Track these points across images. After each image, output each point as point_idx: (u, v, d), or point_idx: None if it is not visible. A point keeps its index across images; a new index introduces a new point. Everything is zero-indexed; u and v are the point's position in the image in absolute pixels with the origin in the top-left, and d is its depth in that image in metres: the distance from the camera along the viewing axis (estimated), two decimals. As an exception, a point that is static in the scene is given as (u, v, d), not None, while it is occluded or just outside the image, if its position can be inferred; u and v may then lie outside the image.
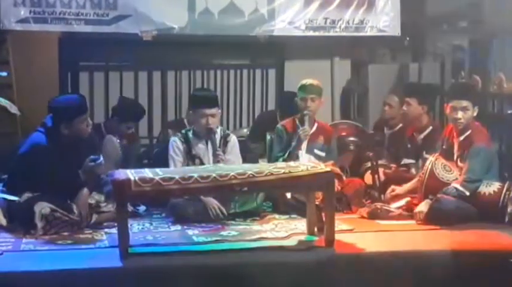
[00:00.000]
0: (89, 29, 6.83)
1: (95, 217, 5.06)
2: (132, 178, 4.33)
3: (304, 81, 5.95)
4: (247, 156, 6.07)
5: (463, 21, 7.87)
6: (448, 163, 5.39)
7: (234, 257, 4.38)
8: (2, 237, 4.75)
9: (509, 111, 6.76)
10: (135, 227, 5.08)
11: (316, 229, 4.83)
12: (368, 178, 5.97)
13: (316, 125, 5.99)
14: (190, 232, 5.00)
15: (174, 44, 7.30)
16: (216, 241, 4.72)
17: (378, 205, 5.49)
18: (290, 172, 4.55)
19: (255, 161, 5.87)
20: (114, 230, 4.63)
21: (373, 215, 5.38)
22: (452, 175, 5.31)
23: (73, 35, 7.00)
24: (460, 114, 5.30)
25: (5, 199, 5.00)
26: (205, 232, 4.97)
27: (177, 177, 4.39)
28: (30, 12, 6.63)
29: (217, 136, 5.61)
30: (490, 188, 5.22)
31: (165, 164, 5.49)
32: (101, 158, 5.03)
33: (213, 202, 5.29)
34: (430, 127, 6.04)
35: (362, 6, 7.39)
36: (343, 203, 5.62)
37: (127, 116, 6.33)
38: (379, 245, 4.65)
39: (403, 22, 7.51)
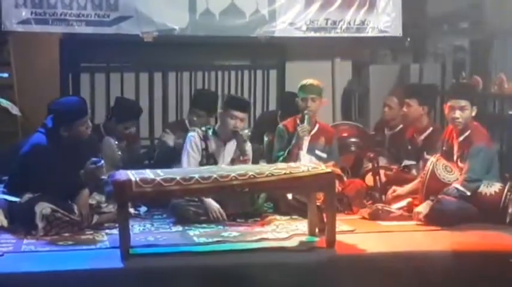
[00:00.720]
0: (90, 30, 6.83)
1: (95, 218, 5.06)
2: (133, 179, 4.34)
3: (304, 82, 5.95)
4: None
5: (464, 22, 7.87)
6: (449, 164, 5.39)
7: (235, 258, 4.38)
8: (3, 238, 4.75)
9: (510, 112, 6.74)
10: (136, 228, 5.08)
11: (317, 230, 4.83)
12: (369, 178, 5.98)
13: (317, 125, 5.99)
14: (191, 232, 5.00)
15: (175, 45, 7.31)
16: (217, 242, 4.72)
17: (379, 205, 5.49)
18: (291, 173, 4.55)
19: (256, 162, 5.87)
20: (115, 231, 4.63)
21: (374, 216, 5.39)
22: (453, 176, 5.31)
23: (74, 36, 7.00)
24: (458, 113, 5.32)
25: (5, 199, 5.01)
26: (206, 233, 4.97)
27: (178, 178, 4.39)
28: (31, 13, 6.63)
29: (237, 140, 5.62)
30: (491, 188, 5.23)
31: (166, 165, 5.49)
32: (102, 161, 5.04)
33: (213, 205, 5.29)
34: (431, 128, 6.04)
35: (363, 7, 7.38)
36: (344, 204, 5.62)
37: (123, 116, 6.31)
38: (380, 246, 4.65)
39: (404, 23, 7.51)
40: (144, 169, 4.79)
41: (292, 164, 5.07)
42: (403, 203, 5.49)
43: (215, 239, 4.77)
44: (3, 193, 5.10)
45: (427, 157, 5.62)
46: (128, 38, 6.95)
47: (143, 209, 5.58)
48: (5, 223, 4.96)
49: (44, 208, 4.80)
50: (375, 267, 4.37)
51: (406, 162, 6.07)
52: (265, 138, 6.22)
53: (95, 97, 7.43)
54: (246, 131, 7.35)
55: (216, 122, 6.02)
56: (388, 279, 4.30)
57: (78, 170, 5.01)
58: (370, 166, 5.98)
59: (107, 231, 4.94)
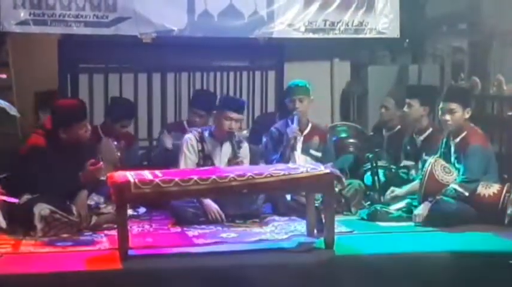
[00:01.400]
0: (88, 31, 6.82)
1: (94, 219, 5.06)
2: (131, 180, 4.34)
3: (290, 83, 6.01)
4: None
5: (463, 23, 7.87)
6: (447, 165, 5.39)
7: (233, 259, 4.38)
8: (2, 239, 4.75)
9: (508, 113, 6.75)
10: (134, 229, 5.08)
11: (315, 231, 4.83)
12: (368, 179, 5.98)
13: (310, 125, 6.01)
14: (190, 233, 5.00)
15: (174, 46, 7.30)
16: (216, 243, 4.72)
17: (378, 206, 5.49)
18: (290, 174, 4.55)
19: (255, 163, 5.87)
20: (114, 232, 4.63)
21: (373, 217, 5.39)
22: (452, 177, 5.32)
23: (72, 37, 6.99)
24: (447, 116, 5.37)
25: (4, 201, 5.01)
26: (205, 234, 4.97)
27: (176, 179, 4.39)
28: (29, 14, 6.63)
29: (233, 141, 5.62)
30: (489, 189, 5.23)
31: (165, 166, 5.49)
32: (101, 162, 5.04)
33: (212, 207, 5.29)
34: (430, 129, 6.04)
35: (361, 8, 7.39)
36: (342, 204, 5.63)
37: (117, 115, 6.33)
38: (378, 247, 4.65)
39: (403, 24, 7.51)
40: (143, 170, 4.79)
41: (291, 165, 5.08)
42: (402, 204, 5.49)
43: (214, 240, 4.77)
44: (2, 193, 5.10)
45: (426, 157, 5.62)
46: (126, 39, 6.95)
47: (142, 210, 5.58)
48: (3, 224, 4.95)
49: (42, 209, 4.80)
50: (374, 268, 4.37)
51: (405, 162, 6.08)
52: (264, 139, 6.22)
53: (94, 98, 7.42)
54: (245, 131, 7.39)
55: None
56: (387, 280, 4.30)
57: (77, 172, 5.01)
58: (368, 166, 5.99)
59: (106, 232, 4.94)
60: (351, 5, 7.36)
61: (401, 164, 6.08)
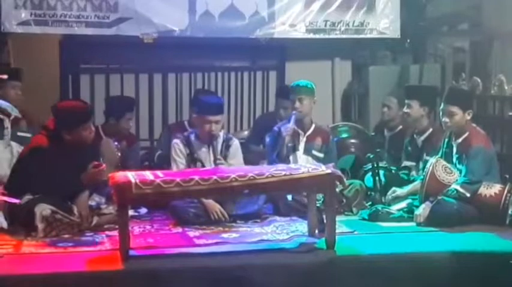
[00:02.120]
0: (89, 31, 6.82)
1: (95, 219, 5.06)
2: (132, 181, 4.34)
3: (292, 83, 6.00)
4: (248, 158, 6.06)
5: (464, 23, 7.87)
6: (448, 165, 5.39)
7: (235, 260, 4.38)
8: (3, 239, 4.75)
9: (510, 113, 6.74)
10: (136, 229, 5.08)
11: (317, 231, 4.83)
12: (369, 179, 5.98)
13: (313, 126, 6.01)
14: (191, 234, 5.00)
15: (175, 46, 7.30)
16: (217, 243, 4.72)
17: (379, 206, 5.49)
18: (291, 174, 4.55)
19: (256, 163, 5.87)
20: (115, 232, 4.63)
21: (374, 217, 5.39)
22: (453, 177, 5.32)
23: (74, 38, 7.00)
24: (447, 118, 5.37)
25: (5, 201, 5.01)
26: (206, 234, 4.97)
27: (177, 179, 4.39)
28: (31, 14, 6.63)
29: (220, 140, 5.63)
30: (490, 190, 5.23)
31: (167, 166, 5.49)
32: (104, 164, 5.04)
33: (214, 206, 5.29)
34: (431, 129, 6.03)
35: (362, 9, 7.38)
36: (344, 205, 5.63)
37: (120, 109, 6.35)
38: (380, 248, 4.65)
39: (404, 24, 7.51)
40: (144, 170, 4.78)
41: (292, 165, 5.08)
42: (403, 204, 5.49)
43: (215, 241, 4.77)
44: (3, 194, 5.10)
45: (427, 158, 5.62)
46: (127, 40, 6.95)
47: (143, 210, 5.58)
48: (4, 224, 4.96)
49: (43, 209, 4.80)
50: (375, 268, 4.37)
51: (406, 163, 6.07)
52: (267, 139, 6.21)
53: (95, 98, 7.43)
54: (246, 132, 7.39)
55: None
56: (388, 281, 4.30)
57: (79, 173, 5.01)
58: (370, 166, 5.99)
59: (107, 232, 4.94)
60: (352, 5, 7.36)
61: (402, 165, 6.08)
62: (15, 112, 5.95)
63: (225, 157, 5.58)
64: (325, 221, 4.68)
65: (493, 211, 5.16)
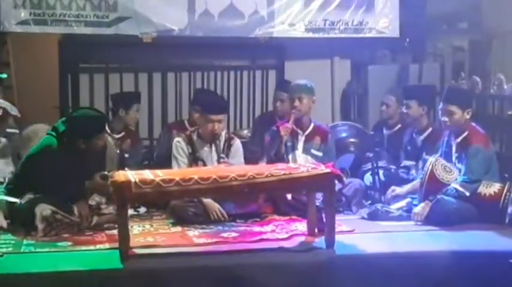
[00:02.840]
0: (88, 31, 6.83)
1: (95, 219, 5.06)
2: (132, 180, 4.34)
3: (292, 83, 6.00)
4: (248, 157, 6.07)
5: (463, 22, 7.87)
6: (448, 164, 5.40)
7: (234, 259, 4.38)
8: (3, 239, 4.75)
9: (509, 113, 6.75)
10: (135, 228, 5.08)
11: (316, 230, 4.83)
12: (368, 178, 5.98)
13: (312, 125, 6.00)
14: (190, 233, 5.00)
15: (174, 45, 7.31)
16: (217, 243, 4.72)
17: (378, 205, 5.49)
18: (290, 173, 4.55)
19: (256, 163, 5.87)
20: (115, 232, 4.63)
21: (374, 216, 5.39)
22: (453, 176, 5.32)
23: (73, 37, 7.01)
24: (446, 118, 5.38)
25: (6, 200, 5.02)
26: (206, 234, 4.97)
27: (177, 178, 4.39)
28: (30, 14, 6.64)
29: (221, 139, 5.63)
30: (490, 189, 5.23)
31: (166, 165, 5.49)
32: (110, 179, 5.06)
33: (214, 206, 5.29)
34: (430, 128, 6.04)
35: (361, 8, 7.40)
36: (343, 204, 5.63)
37: (128, 100, 6.42)
38: (379, 246, 4.65)
39: (403, 23, 7.52)
40: (144, 170, 4.78)
41: (291, 164, 5.07)
42: (402, 203, 5.49)
43: (214, 240, 4.77)
44: (4, 193, 5.11)
45: (427, 157, 5.63)
46: (126, 39, 6.96)
47: (143, 209, 5.58)
48: (4, 223, 4.96)
49: (44, 209, 4.80)
50: (374, 267, 4.37)
51: (405, 162, 6.08)
52: (267, 138, 6.21)
53: (94, 98, 7.44)
54: (245, 131, 7.39)
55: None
56: (388, 279, 4.30)
57: (84, 177, 5.02)
58: (369, 165, 5.99)
59: (107, 232, 4.94)
60: (351, 4, 7.37)
61: (402, 164, 6.08)
62: (14, 111, 5.95)
63: (227, 156, 5.58)
64: (324, 220, 4.68)
65: (493, 209, 5.17)
